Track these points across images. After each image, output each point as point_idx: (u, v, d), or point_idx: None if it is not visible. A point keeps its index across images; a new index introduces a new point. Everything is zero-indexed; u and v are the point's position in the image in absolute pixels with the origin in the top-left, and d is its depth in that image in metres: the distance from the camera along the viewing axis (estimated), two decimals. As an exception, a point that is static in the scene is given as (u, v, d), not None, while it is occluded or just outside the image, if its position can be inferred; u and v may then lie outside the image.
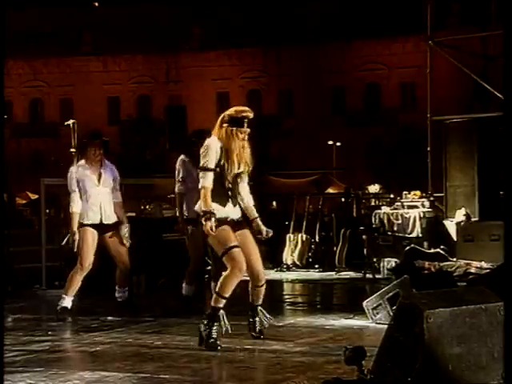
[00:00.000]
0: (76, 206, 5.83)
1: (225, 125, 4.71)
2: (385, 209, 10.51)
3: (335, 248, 10.24)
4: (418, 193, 10.74)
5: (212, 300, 4.69)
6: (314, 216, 11.28)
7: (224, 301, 4.65)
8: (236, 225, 4.75)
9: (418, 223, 9.71)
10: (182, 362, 4.29)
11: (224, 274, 4.63)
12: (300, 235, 10.62)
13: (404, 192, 10.75)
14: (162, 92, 38.95)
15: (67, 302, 5.84)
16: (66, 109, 39.64)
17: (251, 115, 4.79)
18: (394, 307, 5.04)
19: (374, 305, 5.51)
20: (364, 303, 5.61)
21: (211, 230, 4.53)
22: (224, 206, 4.70)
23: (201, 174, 4.67)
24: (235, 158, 4.68)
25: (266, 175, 26.27)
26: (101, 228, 5.86)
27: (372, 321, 5.50)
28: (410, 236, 9.72)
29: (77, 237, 5.79)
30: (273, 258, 10.95)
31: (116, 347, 4.71)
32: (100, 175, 5.91)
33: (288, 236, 10.63)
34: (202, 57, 40.08)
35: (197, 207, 4.76)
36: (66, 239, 8.76)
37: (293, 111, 39.41)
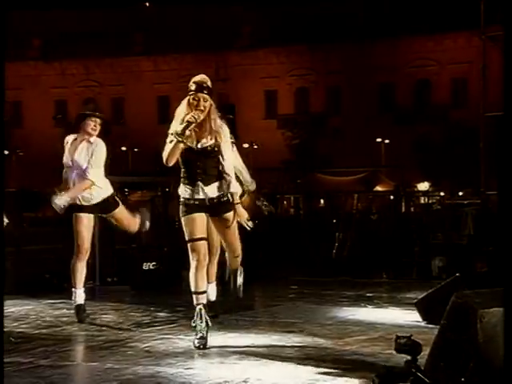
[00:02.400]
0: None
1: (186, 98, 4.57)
2: (436, 206, 10.37)
3: (385, 246, 10.14)
4: (470, 190, 10.57)
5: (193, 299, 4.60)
6: (362, 214, 11.21)
7: (200, 296, 4.56)
8: (210, 207, 4.56)
9: (470, 221, 9.55)
10: (232, 359, 4.32)
11: (190, 269, 4.57)
12: (349, 233, 10.56)
13: (456, 189, 10.58)
14: (210, 91, 39.17)
15: (79, 295, 5.59)
16: (118, 108, 40.33)
17: (205, 81, 4.57)
18: (447, 306, 4.99)
19: (426, 304, 5.45)
20: (416, 301, 5.56)
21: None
22: (193, 185, 4.53)
23: (166, 141, 4.48)
24: (192, 132, 4.46)
25: (314, 173, 26.20)
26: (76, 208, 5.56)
27: (423, 320, 5.44)
28: (462, 234, 9.57)
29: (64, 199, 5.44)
30: (320, 255, 10.91)
31: (168, 343, 4.77)
32: (75, 149, 5.62)
33: (337, 234, 10.59)
34: (250, 55, 40.18)
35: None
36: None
37: (340, 109, 39.16)
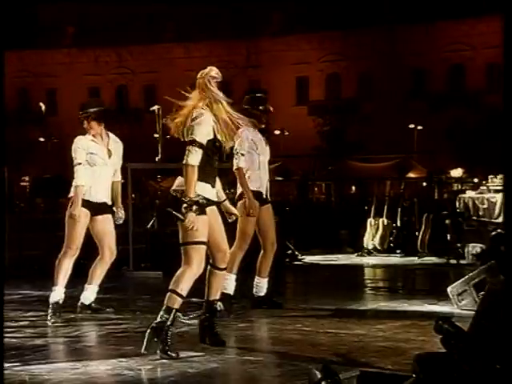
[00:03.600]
0: (82, 179, 5.27)
1: (210, 89, 4.10)
2: (470, 193, 10.24)
3: (417, 233, 10.09)
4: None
5: (166, 298, 4.10)
6: (394, 200, 11.14)
7: (180, 300, 4.10)
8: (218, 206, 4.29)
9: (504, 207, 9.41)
10: (266, 345, 4.35)
11: (181, 269, 4.12)
12: (381, 220, 10.51)
13: (490, 176, 10.44)
14: (241, 77, 39.16)
15: (58, 294, 5.26)
16: (150, 95, 40.53)
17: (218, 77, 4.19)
18: (480, 293, 4.93)
19: (460, 291, 5.41)
20: (449, 289, 5.52)
21: (191, 222, 3.97)
22: (213, 186, 4.17)
23: (190, 149, 4.03)
24: (228, 131, 4.10)
25: (345, 159, 26.06)
26: (96, 207, 5.34)
27: (457, 307, 5.41)
28: (496, 221, 9.43)
29: (78, 214, 5.21)
30: (353, 242, 10.91)
31: (201, 328, 4.80)
32: (110, 151, 5.42)
33: (369, 221, 10.55)
34: (281, 41, 39.98)
35: (176, 185, 4.10)
36: (151, 223, 9.00)
37: (372, 95, 38.78)
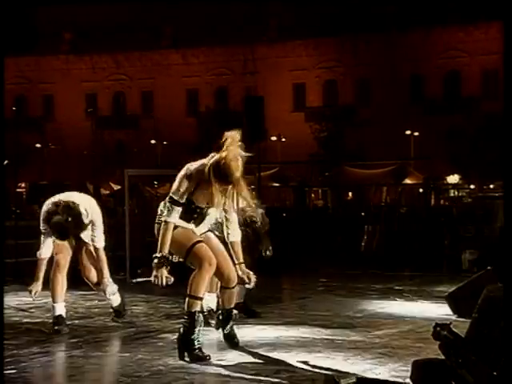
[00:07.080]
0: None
1: (213, 165, 4.00)
2: (466, 199, 10.27)
3: (413, 239, 10.09)
4: (502, 183, 10.43)
5: (185, 304, 4.13)
6: (391, 207, 11.16)
7: (199, 302, 4.14)
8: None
9: (501, 214, 9.43)
10: (262, 351, 4.34)
11: (193, 273, 4.13)
12: (378, 226, 10.53)
13: (487, 182, 10.47)
14: (238, 83, 39.21)
15: (60, 309, 5.14)
16: (147, 101, 40.57)
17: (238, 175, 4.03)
18: (478, 300, 4.93)
19: (457, 296, 5.41)
20: (446, 295, 5.52)
21: (160, 279, 3.99)
22: (188, 221, 4.16)
23: (168, 205, 4.04)
24: (215, 200, 4.02)
25: (342, 165, 26.04)
26: None
27: (454, 313, 5.40)
28: (494, 227, 9.46)
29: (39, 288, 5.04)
30: (350, 248, 10.90)
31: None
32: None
33: (366, 227, 10.56)
34: (278, 48, 40.07)
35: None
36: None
37: (370, 101, 38.86)
